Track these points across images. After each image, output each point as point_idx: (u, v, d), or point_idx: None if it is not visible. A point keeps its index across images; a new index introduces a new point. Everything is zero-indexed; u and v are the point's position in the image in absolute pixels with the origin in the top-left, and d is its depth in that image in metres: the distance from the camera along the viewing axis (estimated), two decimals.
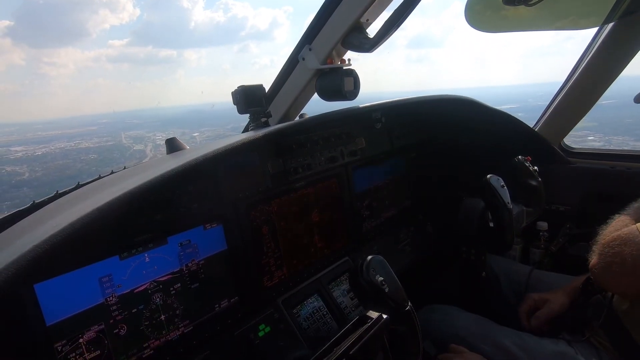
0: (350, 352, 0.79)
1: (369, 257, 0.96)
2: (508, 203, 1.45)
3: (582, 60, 1.94)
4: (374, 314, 0.87)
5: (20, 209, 1.17)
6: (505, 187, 1.48)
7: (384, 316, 0.86)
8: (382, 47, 1.37)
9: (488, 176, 1.48)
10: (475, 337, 1.37)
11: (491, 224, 1.52)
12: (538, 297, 1.48)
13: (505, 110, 1.93)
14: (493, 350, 1.31)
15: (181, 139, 1.41)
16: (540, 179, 1.67)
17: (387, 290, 0.94)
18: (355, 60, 1.48)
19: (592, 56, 1.86)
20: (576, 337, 1.29)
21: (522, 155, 1.69)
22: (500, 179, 1.49)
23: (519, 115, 2.01)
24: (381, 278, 0.94)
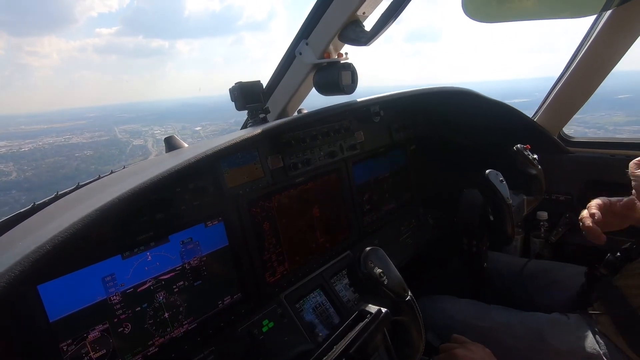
0: (351, 351, 0.78)
1: (367, 249, 0.92)
2: (507, 198, 1.45)
3: (580, 49, 1.93)
4: (373, 308, 0.84)
5: (21, 211, 1.17)
6: (504, 182, 1.47)
7: (384, 310, 0.84)
8: (379, 40, 1.36)
9: (487, 171, 1.47)
10: (473, 317, 1.41)
11: (491, 217, 1.53)
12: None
13: (510, 103, 1.93)
14: (491, 324, 1.35)
15: (183, 133, 1.41)
16: (540, 167, 1.67)
17: (386, 282, 0.91)
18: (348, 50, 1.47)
19: (589, 45, 1.85)
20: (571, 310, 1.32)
21: (521, 144, 1.69)
22: (499, 173, 1.48)
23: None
24: (379, 270, 0.91)
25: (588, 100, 2.01)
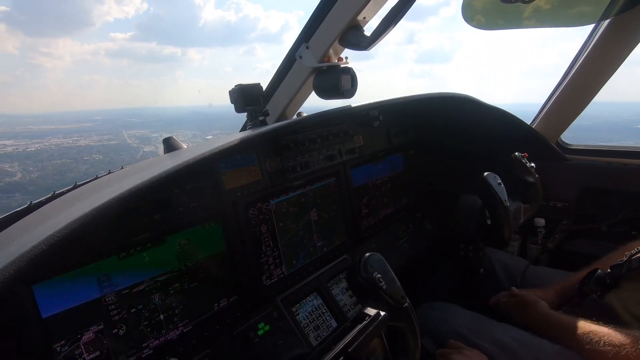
0: (349, 350, 0.78)
1: (367, 255, 0.94)
2: (505, 200, 1.46)
3: (578, 57, 1.94)
4: (371, 311, 0.85)
5: (17, 210, 1.17)
6: (502, 185, 1.48)
7: (382, 313, 0.85)
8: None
9: (485, 174, 1.48)
10: (474, 333, 1.37)
11: (488, 222, 1.53)
12: (527, 294, 1.44)
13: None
14: (492, 346, 1.30)
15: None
16: (537, 176, 1.68)
17: (384, 287, 0.92)
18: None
19: (588, 53, 1.86)
20: None
21: (519, 152, 1.70)
22: (497, 176, 1.49)
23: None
24: (379, 275, 0.92)
25: (610, 127, 2.01)
